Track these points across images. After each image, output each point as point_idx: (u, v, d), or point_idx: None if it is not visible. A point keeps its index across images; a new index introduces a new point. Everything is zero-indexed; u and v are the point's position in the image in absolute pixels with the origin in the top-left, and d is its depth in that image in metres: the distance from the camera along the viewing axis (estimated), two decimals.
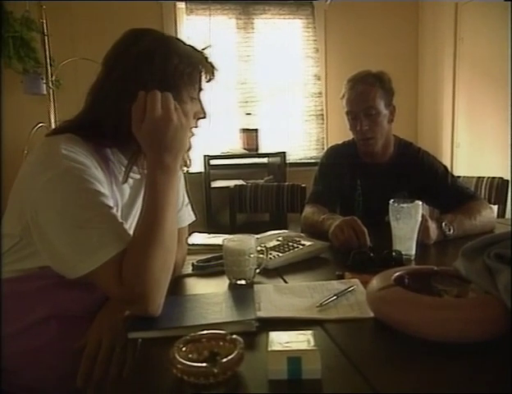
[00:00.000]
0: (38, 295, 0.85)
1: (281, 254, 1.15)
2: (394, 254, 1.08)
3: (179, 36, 3.34)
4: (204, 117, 0.97)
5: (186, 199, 1.15)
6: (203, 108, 0.96)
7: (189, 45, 0.93)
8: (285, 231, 1.38)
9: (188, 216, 1.14)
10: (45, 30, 2.79)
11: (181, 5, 3.35)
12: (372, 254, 1.09)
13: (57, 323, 0.85)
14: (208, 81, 0.95)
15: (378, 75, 1.53)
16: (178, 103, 0.86)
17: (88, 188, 0.79)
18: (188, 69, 0.89)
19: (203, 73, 0.93)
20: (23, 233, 0.82)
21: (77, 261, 0.76)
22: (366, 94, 1.50)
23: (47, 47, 2.82)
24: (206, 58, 0.93)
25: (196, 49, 0.93)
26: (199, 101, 0.95)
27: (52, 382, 0.85)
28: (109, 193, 0.85)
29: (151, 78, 0.84)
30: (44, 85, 2.85)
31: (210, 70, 0.94)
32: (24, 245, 0.83)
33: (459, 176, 1.84)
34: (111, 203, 0.82)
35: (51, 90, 2.87)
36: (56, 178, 0.77)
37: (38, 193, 0.77)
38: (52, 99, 2.88)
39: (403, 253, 1.09)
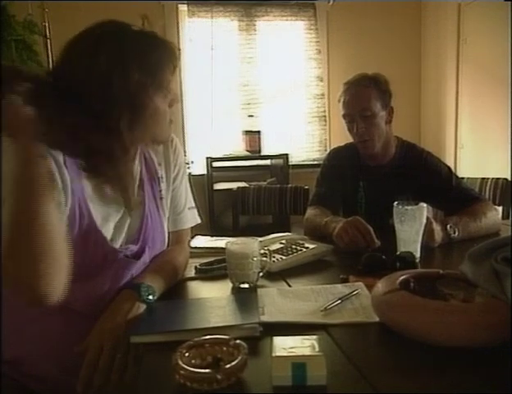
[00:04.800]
0: None
1: (284, 257, 1.14)
2: (405, 256, 1.06)
3: (181, 38, 3.34)
4: (177, 102, 0.95)
5: (191, 203, 1.15)
6: (174, 95, 0.94)
7: (149, 34, 0.91)
8: (289, 233, 1.37)
9: (191, 218, 1.14)
10: (47, 33, 2.80)
11: (183, 7, 3.35)
12: (384, 257, 1.06)
13: (60, 315, 0.85)
14: (175, 68, 0.92)
15: (374, 77, 1.53)
16: (145, 107, 0.86)
17: None
18: (150, 79, 0.86)
19: (167, 68, 0.90)
20: None
21: None
22: (360, 96, 1.50)
23: (49, 50, 2.83)
24: (168, 46, 0.90)
25: (156, 38, 0.90)
26: (170, 90, 0.92)
27: (56, 372, 0.87)
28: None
29: (111, 104, 0.82)
30: None
31: (174, 56, 0.91)
32: None
33: (463, 178, 1.82)
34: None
35: None
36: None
37: None
38: None
39: None
